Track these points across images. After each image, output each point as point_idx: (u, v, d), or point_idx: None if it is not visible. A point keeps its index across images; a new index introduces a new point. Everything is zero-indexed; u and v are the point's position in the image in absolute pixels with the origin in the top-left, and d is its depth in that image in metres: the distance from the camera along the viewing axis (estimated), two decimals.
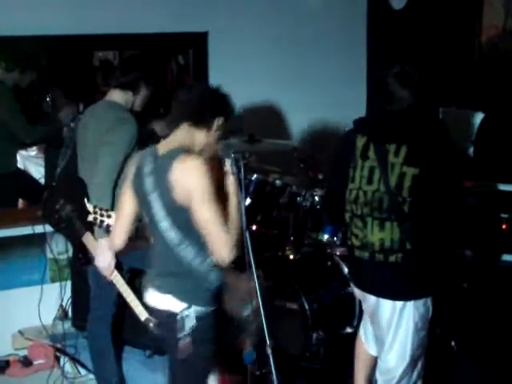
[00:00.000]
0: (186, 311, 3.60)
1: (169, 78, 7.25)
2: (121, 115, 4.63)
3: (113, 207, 4.49)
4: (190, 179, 3.45)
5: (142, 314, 4.51)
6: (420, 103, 3.99)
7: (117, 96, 4.78)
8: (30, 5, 5.64)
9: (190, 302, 3.62)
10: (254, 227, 5.22)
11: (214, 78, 6.41)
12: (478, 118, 5.93)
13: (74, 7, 5.83)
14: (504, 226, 5.08)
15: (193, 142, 3.63)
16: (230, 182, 3.66)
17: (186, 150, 3.54)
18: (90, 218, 4.12)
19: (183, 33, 6.28)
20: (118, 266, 4.58)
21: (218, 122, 3.64)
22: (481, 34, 6.05)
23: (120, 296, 4.65)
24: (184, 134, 3.63)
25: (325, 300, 5.14)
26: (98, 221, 4.12)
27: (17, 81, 6.30)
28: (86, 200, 4.30)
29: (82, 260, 4.72)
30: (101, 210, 4.12)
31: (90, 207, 4.13)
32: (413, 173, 3.88)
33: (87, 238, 4.57)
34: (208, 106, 3.62)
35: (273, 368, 3.54)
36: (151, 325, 4.49)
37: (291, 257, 5.32)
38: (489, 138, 5.82)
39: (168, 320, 3.65)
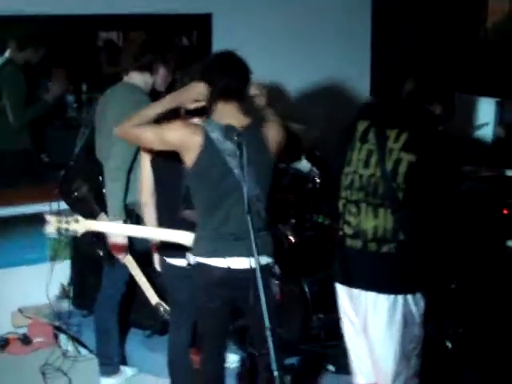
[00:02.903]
0: (272, 262, 4.01)
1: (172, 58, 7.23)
2: (139, 98, 4.63)
3: (126, 191, 4.52)
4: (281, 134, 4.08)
5: (153, 298, 4.55)
6: (425, 94, 3.97)
7: (135, 78, 4.79)
8: None
9: (271, 254, 4.00)
10: None
11: None
12: (482, 102, 5.91)
13: None
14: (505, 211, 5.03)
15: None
16: None
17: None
18: (52, 229, 3.92)
19: (187, 14, 6.24)
20: (131, 248, 4.59)
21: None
22: (486, 18, 6.02)
23: (131, 277, 4.68)
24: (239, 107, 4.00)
25: (325, 283, 5.13)
26: (63, 230, 3.92)
27: (28, 59, 6.29)
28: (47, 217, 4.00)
29: (95, 241, 4.71)
30: (66, 217, 3.93)
31: (51, 218, 3.92)
32: (409, 159, 3.81)
33: (102, 219, 4.57)
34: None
35: (272, 350, 3.53)
36: (161, 309, 4.54)
37: (292, 239, 5.32)
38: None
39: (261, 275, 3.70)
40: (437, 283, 4.18)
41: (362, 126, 3.99)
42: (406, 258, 3.87)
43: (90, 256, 5.20)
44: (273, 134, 4.01)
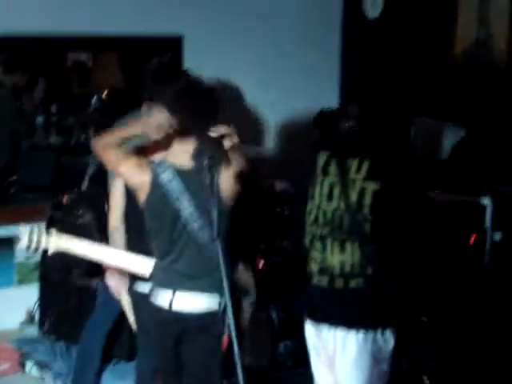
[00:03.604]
0: (224, 305, 3.74)
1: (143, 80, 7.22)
2: None
3: None
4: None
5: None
6: (371, 119, 3.93)
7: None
8: (2, 2, 5.60)
9: (223, 296, 3.73)
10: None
11: None
12: (449, 128, 5.95)
13: (48, 7, 5.79)
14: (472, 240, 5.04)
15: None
16: None
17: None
18: (24, 245, 3.86)
19: (158, 36, 6.25)
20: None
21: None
22: (454, 44, 6.07)
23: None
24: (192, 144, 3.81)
25: (292, 309, 5.13)
26: (35, 242, 3.86)
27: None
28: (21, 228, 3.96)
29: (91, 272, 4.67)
30: (39, 231, 3.88)
31: (24, 229, 3.87)
32: (373, 188, 3.74)
33: None
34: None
35: (241, 377, 3.51)
36: None
37: (260, 265, 5.31)
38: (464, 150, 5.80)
39: (210, 319, 3.76)
40: (407, 317, 4.14)
41: (322, 158, 3.91)
42: (374, 293, 3.80)
43: (58, 280, 5.19)
44: (226, 179, 3.77)
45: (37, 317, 5.73)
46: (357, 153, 3.84)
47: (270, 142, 6.69)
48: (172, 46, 6.40)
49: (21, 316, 5.63)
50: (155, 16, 6.20)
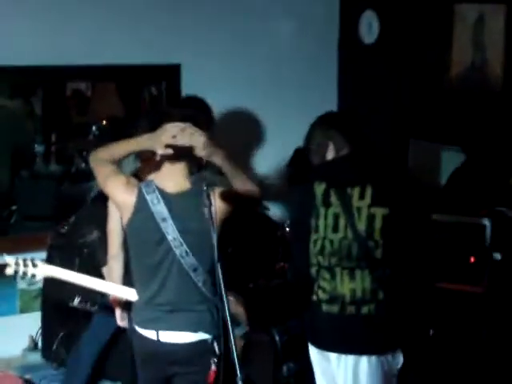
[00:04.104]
0: (210, 339, 3.74)
1: (142, 108, 7.27)
2: None
3: None
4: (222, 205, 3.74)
5: None
6: (361, 144, 3.94)
7: None
8: (2, 34, 5.66)
9: (210, 329, 3.75)
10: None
11: None
12: (445, 151, 6.00)
13: (46, 37, 5.85)
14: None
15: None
16: None
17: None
18: (10, 270, 3.87)
19: (156, 65, 6.31)
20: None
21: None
22: (450, 68, 6.13)
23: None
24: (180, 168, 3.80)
25: (295, 331, 5.14)
26: (21, 272, 3.87)
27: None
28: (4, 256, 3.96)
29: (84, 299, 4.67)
30: (24, 260, 3.89)
31: (10, 260, 3.88)
32: (382, 213, 3.75)
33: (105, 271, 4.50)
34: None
35: None
36: None
37: (262, 288, 5.33)
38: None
39: (195, 352, 3.75)
40: (415, 335, 4.16)
41: (319, 189, 3.89)
42: (385, 318, 3.83)
43: (60, 307, 5.19)
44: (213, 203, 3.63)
45: (40, 344, 5.74)
46: (355, 180, 3.83)
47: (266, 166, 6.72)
48: (170, 74, 6.46)
49: (24, 343, 5.64)
50: (153, 45, 6.26)
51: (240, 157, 6.59)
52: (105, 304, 4.63)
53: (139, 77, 6.49)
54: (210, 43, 6.49)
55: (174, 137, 3.69)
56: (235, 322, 4.04)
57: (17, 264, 3.87)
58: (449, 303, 5.04)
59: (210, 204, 3.56)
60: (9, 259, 3.88)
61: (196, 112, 3.96)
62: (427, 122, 6.25)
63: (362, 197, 3.80)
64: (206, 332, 3.77)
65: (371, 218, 3.77)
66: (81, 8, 5.94)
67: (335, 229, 3.84)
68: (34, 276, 3.89)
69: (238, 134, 6.55)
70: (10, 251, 5.17)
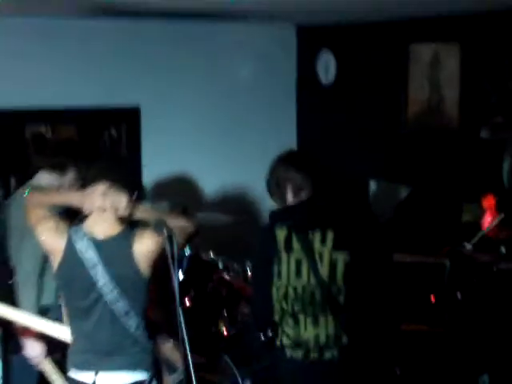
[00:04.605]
0: (148, 379, 3.75)
1: (101, 150, 7.27)
2: None
3: (39, 296, 4.46)
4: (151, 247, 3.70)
5: None
6: (321, 185, 3.93)
7: (44, 178, 4.68)
8: None
9: (146, 370, 3.76)
10: (187, 302, 5.25)
11: (147, 151, 6.48)
12: (404, 190, 6.05)
13: (7, 79, 5.87)
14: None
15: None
16: None
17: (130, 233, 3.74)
18: None
19: (116, 108, 6.32)
20: (51, 351, 4.50)
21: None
22: (407, 108, 6.20)
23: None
24: (109, 215, 3.76)
25: (259, 375, 5.13)
26: None
27: None
28: None
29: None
30: None
31: None
32: (344, 258, 3.76)
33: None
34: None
35: None
36: None
37: (225, 332, 5.32)
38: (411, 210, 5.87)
39: None
40: (382, 375, 4.14)
41: (281, 234, 3.86)
42: (348, 363, 3.83)
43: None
44: (141, 246, 3.70)
45: None
46: (316, 224, 3.82)
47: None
48: (129, 117, 6.48)
49: None
50: (112, 88, 6.28)
51: (203, 196, 6.65)
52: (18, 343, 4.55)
53: (99, 119, 6.50)
54: (170, 86, 6.52)
55: (103, 194, 3.74)
56: (171, 368, 4.07)
57: None
58: (412, 343, 5.05)
59: (172, 248, 3.60)
60: None
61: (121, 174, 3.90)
62: (385, 161, 6.31)
63: (323, 241, 3.80)
64: (142, 372, 3.77)
65: (333, 264, 3.77)
66: (41, 51, 5.98)
67: (298, 274, 3.82)
68: None
69: (198, 175, 6.60)
70: None
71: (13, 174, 7.13)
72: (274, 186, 3.99)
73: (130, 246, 3.67)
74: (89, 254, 3.69)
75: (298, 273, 3.82)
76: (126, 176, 3.86)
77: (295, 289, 3.83)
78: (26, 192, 4.27)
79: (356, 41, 6.57)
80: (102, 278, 3.68)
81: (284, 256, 3.85)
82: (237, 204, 6.71)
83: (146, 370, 3.78)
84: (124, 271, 3.70)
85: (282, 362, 3.97)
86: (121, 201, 3.74)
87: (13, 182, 7.12)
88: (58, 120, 6.60)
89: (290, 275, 3.84)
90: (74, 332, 3.85)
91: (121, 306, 3.70)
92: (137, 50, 6.37)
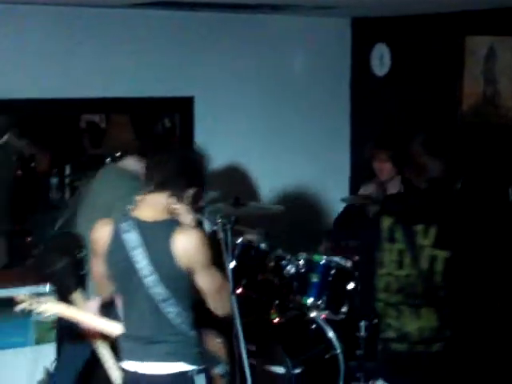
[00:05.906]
0: (191, 371, 3.72)
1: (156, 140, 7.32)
2: (135, 184, 4.62)
3: None
4: (193, 250, 3.66)
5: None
6: (451, 175, 3.85)
7: (131, 164, 4.82)
8: (16, 68, 5.70)
9: (189, 362, 3.73)
10: (239, 290, 5.27)
11: (200, 141, 6.50)
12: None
13: (61, 71, 5.91)
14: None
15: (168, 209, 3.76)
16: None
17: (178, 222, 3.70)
18: (21, 307, 3.96)
19: (170, 97, 6.36)
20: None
21: (189, 192, 3.78)
22: (462, 101, 6.16)
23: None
24: (161, 201, 3.74)
25: (309, 363, 5.15)
26: (30, 309, 3.96)
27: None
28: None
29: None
30: (35, 297, 3.97)
31: (21, 296, 3.98)
32: (444, 255, 3.70)
33: (76, 297, 4.53)
34: (184, 177, 3.78)
35: None
36: None
37: (276, 320, 5.34)
38: None
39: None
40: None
41: (386, 223, 3.83)
42: (454, 355, 3.79)
43: (74, 340, 5.19)
44: (179, 241, 3.67)
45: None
46: (422, 218, 3.76)
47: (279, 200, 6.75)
48: (183, 106, 6.51)
49: (39, 375, 5.64)
50: (167, 78, 6.31)
51: (254, 185, 6.67)
52: (70, 333, 4.63)
53: (152, 109, 6.54)
54: (223, 76, 6.55)
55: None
56: (215, 361, 4.04)
57: (27, 300, 3.94)
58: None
59: (226, 235, 3.69)
60: (21, 296, 3.95)
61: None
62: None
63: (425, 236, 3.75)
64: (186, 362, 3.75)
65: (433, 260, 3.73)
66: (93, 42, 6.02)
67: (400, 265, 3.80)
68: (43, 314, 3.96)
69: (251, 165, 6.62)
70: (26, 281, 5.28)
71: (67, 162, 7.26)
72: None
73: (171, 236, 3.66)
74: (130, 236, 3.69)
75: (400, 263, 3.80)
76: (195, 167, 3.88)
77: (397, 278, 3.81)
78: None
79: (411, 33, 6.52)
80: (142, 260, 3.67)
81: (387, 246, 3.83)
82: (289, 193, 6.71)
83: (189, 361, 3.75)
84: (162, 257, 3.68)
85: (387, 354, 3.96)
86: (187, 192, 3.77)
87: (67, 170, 7.25)
88: (111, 109, 6.67)
89: (392, 265, 3.81)
90: (124, 323, 3.88)
91: (159, 291, 3.68)
92: (192, 41, 6.39)
